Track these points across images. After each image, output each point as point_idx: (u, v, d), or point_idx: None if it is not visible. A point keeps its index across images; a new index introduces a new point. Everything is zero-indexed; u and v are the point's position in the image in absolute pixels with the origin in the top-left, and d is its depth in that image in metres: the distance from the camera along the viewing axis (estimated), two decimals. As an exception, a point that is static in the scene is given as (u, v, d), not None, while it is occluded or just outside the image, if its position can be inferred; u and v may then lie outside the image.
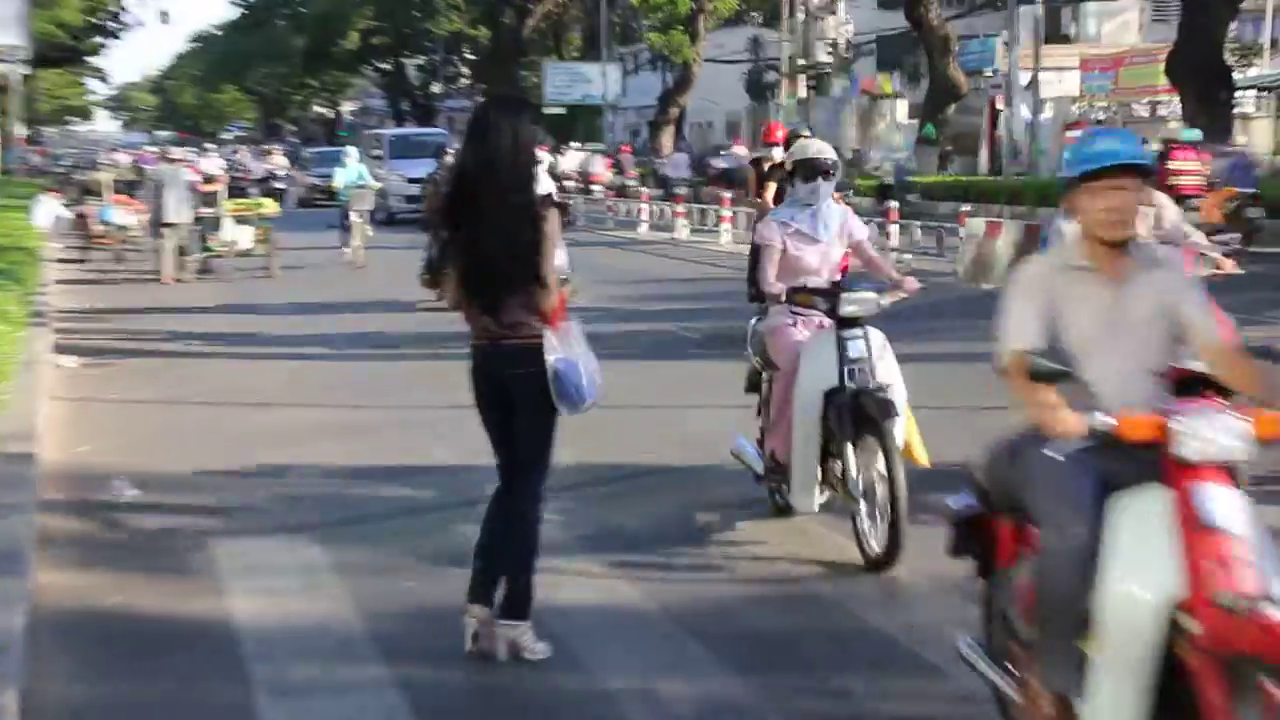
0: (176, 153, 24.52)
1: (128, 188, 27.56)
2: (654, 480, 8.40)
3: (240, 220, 22.45)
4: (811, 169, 7.34)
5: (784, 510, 7.28)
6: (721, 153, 43.27)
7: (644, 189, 35.46)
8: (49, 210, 25.70)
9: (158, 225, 21.43)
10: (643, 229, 30.18)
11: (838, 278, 7.33)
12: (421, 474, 8.67)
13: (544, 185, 9.57)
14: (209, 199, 22.61)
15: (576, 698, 5.19)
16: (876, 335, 6.99)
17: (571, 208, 29.52)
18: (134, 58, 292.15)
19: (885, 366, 6.95)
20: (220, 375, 12.84)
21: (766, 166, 13.23)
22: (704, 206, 31.01)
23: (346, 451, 9.40)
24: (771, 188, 12.58)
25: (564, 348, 5.35)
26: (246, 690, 5.26)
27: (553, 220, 5.34)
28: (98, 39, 56.74)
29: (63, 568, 6.83)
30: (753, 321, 7.67)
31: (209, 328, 16.16)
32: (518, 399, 5.44)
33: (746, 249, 22.35)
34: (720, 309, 16.71)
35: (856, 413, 6.68)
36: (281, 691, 5.25)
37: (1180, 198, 19.31)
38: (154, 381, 12.51)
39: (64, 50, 56.54)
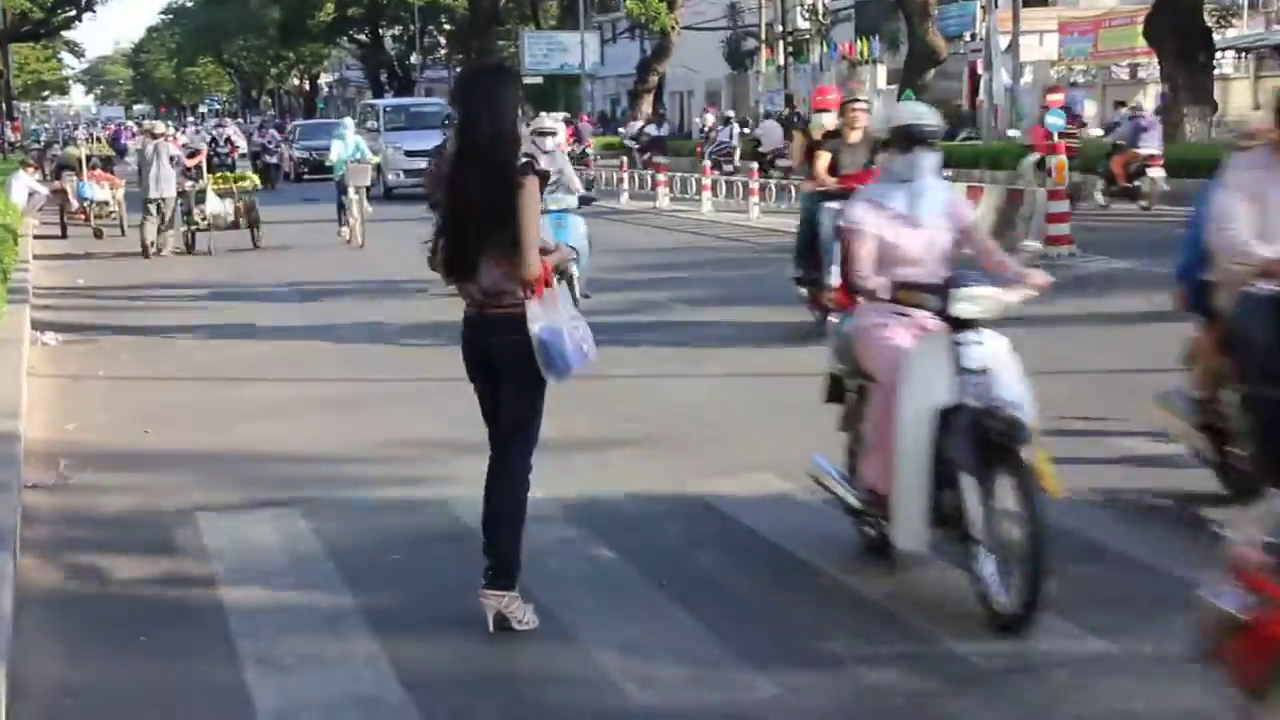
0: (160, 127, 24.29)
1: (104, 163, 27.48)
2: (643, 450, 8.39)
3: (223, 194, 22.42)
4: (909, 137, 6.05)
5: (881, 549, 6.04)
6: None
7: (624, 159, 35.41)
8: (23, 186, 25.63)
9: (145, 201, 21.51)
10: (624, 198, 30.11)
11: (945, 270, 5.96)
12: (409, 447, 8.65)
13: (558, 157, 10.20)
14: (191, 173, 22.60)
15: (567, 669, 5.19)
16: (999, 340, 5.68)
17: (593, 185, 28.86)
18: (107, 31, 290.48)
19: (1010, 378, 5.64)
20: (205, 351, 12.78)
21: (818, 135, 12.49)
22: (685, 175, 30.90)
23: (333, 426, 9.38)
24: (824, 158, 12.02)
25: (548, 316, 5.35)
26: (235, 666, 5.25)
27: (531, 187, 5.32)
28: (71, 12, 56.22)
29: (49, 547, 6.81)
30: (833, 320, 6.63)
31: (193, 303, 16.11)
32: (502, 367, 5.46)
33: (730, 217, 22.11)
34: (705, 278, 16.74)
35: (979, 437, 5.43)
36: (270, 667, 5.24)
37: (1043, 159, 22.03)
38: (138, 358, 12.45)
39: (37, 24, 56.08)
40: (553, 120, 14.36)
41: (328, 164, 24.06)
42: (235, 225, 22.36)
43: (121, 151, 39.19)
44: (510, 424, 5.55)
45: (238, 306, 15.72)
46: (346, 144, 22.26)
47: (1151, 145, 22.53)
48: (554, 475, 7.23)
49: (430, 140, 24.20)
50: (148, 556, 6.66)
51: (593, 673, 5.12)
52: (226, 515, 7.26)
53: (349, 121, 24.52)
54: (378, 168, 24.70)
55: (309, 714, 4.85)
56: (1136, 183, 22.42)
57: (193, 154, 24.22)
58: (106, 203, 24.96)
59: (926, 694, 4.83)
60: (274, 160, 39.56)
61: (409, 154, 31.58)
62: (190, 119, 77.02)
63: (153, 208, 21.38)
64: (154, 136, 22.47)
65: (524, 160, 5.45)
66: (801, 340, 11.42)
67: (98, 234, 24.53)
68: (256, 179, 25.09)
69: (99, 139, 35.78)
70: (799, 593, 5.88)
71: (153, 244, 21.25)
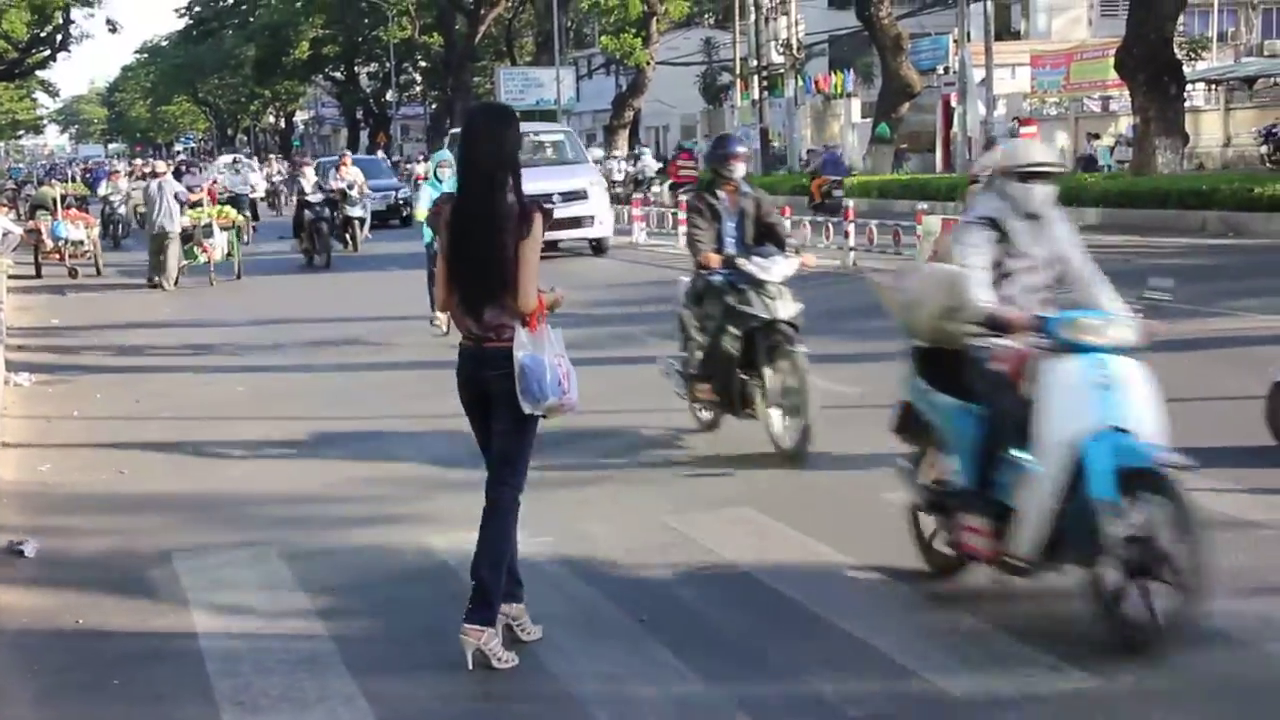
0: (160, 166, 24.95)
1: (79, 202, 27.55)
2: (622, 485, 8.37)
3: (222, 229, 23.28)
4: None
5: None
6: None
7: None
8: (-2, 226, 25.66)
9: (151, 237, 22.47)
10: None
11: None
12: (388, 487, 8.61)
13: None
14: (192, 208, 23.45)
15: (546, 707, 5.17)
16: None
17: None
18: (81, 70, 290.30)
19: None
20: (182, 390, 12.73)
21: None
22: (662, 210, 30.92)
23: (311, 465, 9.34)
24: None
25: (533, 346, 5.44)
26: (213, 708, 5.21)
27: (535, 225, 5.42)
28: (45, 51, 56.10)
29: (24, 588, 6.76)
30: None
31: (169, 343, 16.04)
32: (495, 399, 5.53)
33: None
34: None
35: None
36: (247, 708, 5.20)
37: (680, 184, 32.45)
38: (113, 398, 12.38)
39: (11, 64, 55.99)
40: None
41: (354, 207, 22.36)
42: (229, 256, 23.31)
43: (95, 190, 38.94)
44: (499, 457, 5.60)
45: (214, 345, 15.66)
46: (443, 190, 16.33)
47: (841, 172, 32.15)
48: (533, 511, 7.20)
49: (561, 180, 21.76)
50: (123, 598, 6.61)
51: (572, 710, 5.09)
52: (203, 555, 7.21)
53: (447, 155, 16.95)
54: None
55: (287, 755, 4.81)
56: (829, 201, 29.58)
57: (192, 189, 25.29)
58: (81, 242, 24.95)
59: (908, 728, 4.81)
60: (358, 213, 27.77)
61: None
62: (239, 157, 73.47)
63: (155, 242, 22.20)
64: (155, 175, 23.41)
65: (530, 198, 5.54)
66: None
67: (73, 273, 24.52)
68: (237, 213, 25.17)
69: (74, 178, 35.75)
70: (777, 627, 5.87)
71: (177, 275, 22.17)
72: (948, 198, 28.60)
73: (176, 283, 22.23)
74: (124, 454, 9.89)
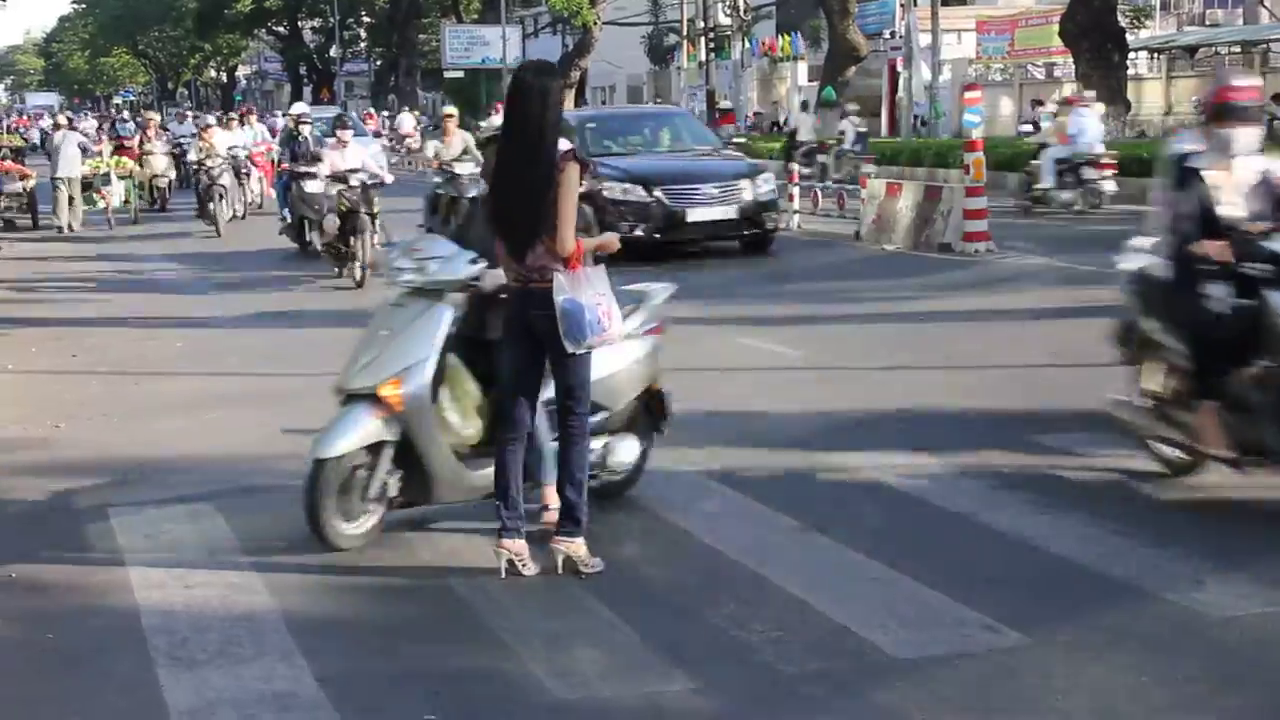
0: (61, 119, 27.87)
1: (14, 154, 27.40)
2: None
3: (121, 177, 25.46)
4: None
5: None
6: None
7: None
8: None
9: (52, 179, 23.89)
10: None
11: None
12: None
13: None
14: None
15: (483, 663, 5.16)
16: None
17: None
18: (17, 19, 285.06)
19: None
20: (119, 345, 12.60)
21: None
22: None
23: (250, 420, 9.28)
24: None
25: (573, 289, 5.82)
26: (148, 663, 5.18)
27: (571, 174, 5.80)
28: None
29: (-45, 543, 6.68)
30: None
31: (106, 296, 15.88)
32: (544, 337, 5.92)
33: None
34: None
35: None
36: (183, 664, 5.17)
37: None
38: (49, 351, 12.26)
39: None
40: None
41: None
42: (127, 203, 25.44)
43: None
44: (562, 390, 6.03)
45: (153, 300, 15.52)
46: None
47: None
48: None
49: None
50: (58, 553, 6.56)
51: (510, 666, 5.10)
52: (140, 511, 7.15)
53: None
54: None
55: (222, 711, 4.79)
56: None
57: (97, 141, 27.64)
58: (19, 194, 24.74)
59: (844, 686, 4.85)
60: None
61: None
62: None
63: (62, 184, 23.61)
64: (57, 127, 25.47)
65: (566, 148, 5.90)
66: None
67: (11, 225, 24.37)
68: (130, 163, 26.50)
69: (9, 130, 35.59)
70: (716, 584, 5.89)
71: (68, 225, 23.55)
72: (891, 161, 28.74)
73: (71, 228, 23.54)
74: (59, 408, 9.79)
